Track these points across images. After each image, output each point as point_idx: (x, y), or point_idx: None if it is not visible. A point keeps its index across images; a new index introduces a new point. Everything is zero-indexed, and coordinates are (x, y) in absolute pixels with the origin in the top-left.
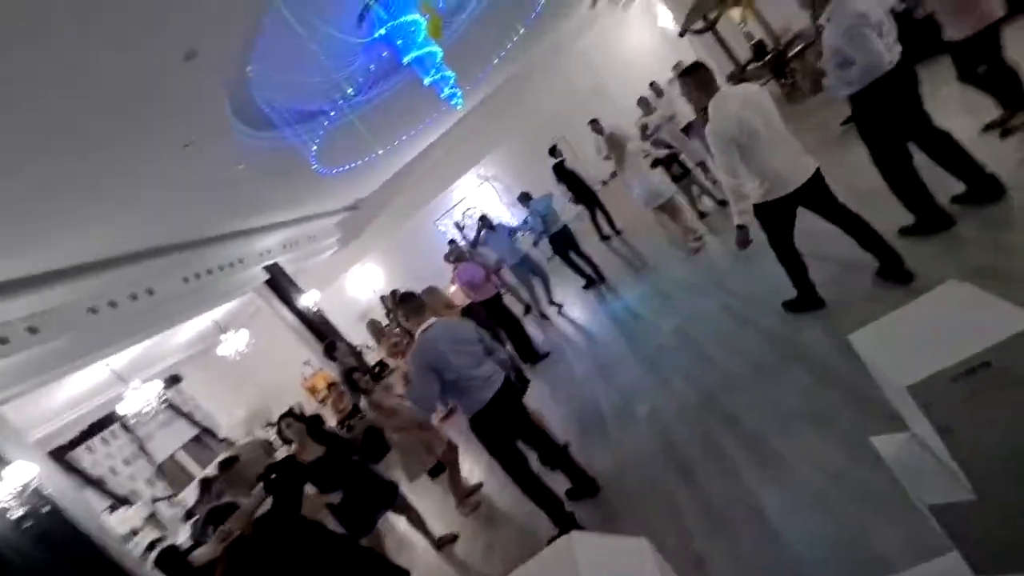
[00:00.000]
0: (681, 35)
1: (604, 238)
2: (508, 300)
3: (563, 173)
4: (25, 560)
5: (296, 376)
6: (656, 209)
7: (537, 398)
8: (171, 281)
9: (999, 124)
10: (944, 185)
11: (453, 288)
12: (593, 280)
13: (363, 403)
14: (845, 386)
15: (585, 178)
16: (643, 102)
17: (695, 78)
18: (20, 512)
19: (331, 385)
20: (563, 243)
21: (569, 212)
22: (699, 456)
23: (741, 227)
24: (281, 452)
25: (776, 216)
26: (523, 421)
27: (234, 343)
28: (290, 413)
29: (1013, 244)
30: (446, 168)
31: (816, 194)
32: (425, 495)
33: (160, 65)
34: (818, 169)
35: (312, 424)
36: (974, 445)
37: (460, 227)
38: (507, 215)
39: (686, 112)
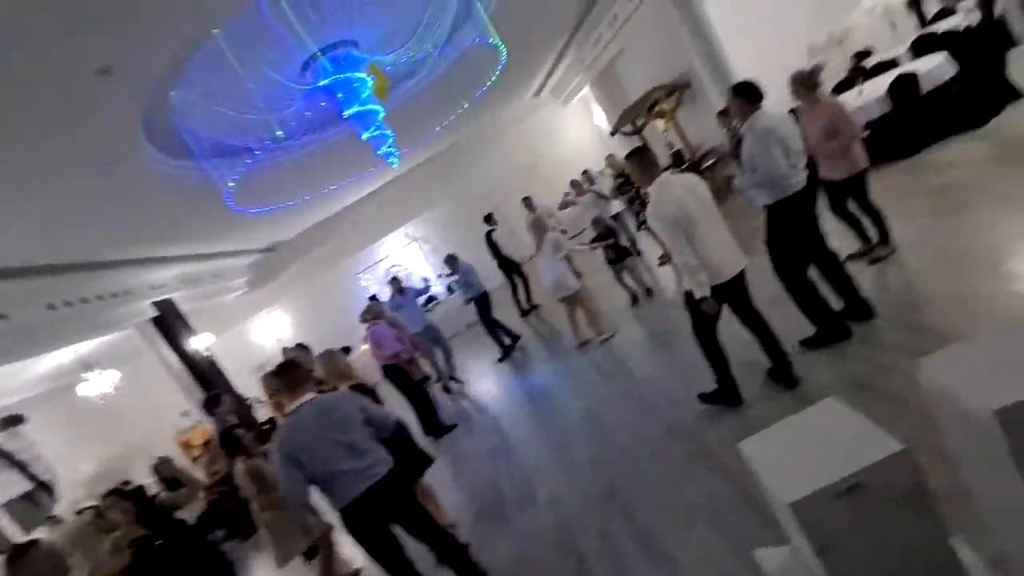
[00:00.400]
0: (612, 135)
1: (523, 313)
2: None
3: (490, 242)
4: None
5: (171, 428)
6: (561, 300)
7: (438, 475)
8: (33, 306)
9: (865, 254)
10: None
11: (364, 347)
12: (509, 350)
13: (237, 466)
14: (741, 487)
15: (509, 251)
16: (575, 183)
17: (640, 159)
18: None
19: (207, 443)
20: (485, 306)
21: (494, 280)
22: (595, 551)
23: (701, 297)
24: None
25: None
26: (409, 515)
27: (99, 383)
28: (116, 491)
29: (885, 362)
30: (375, 223)
31: (738, 290)
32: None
33: (69, 75)
34: (743, 270)
35: (142, 504)
36: (849, 563)
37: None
38: (432, 276)
39: (614, 205)
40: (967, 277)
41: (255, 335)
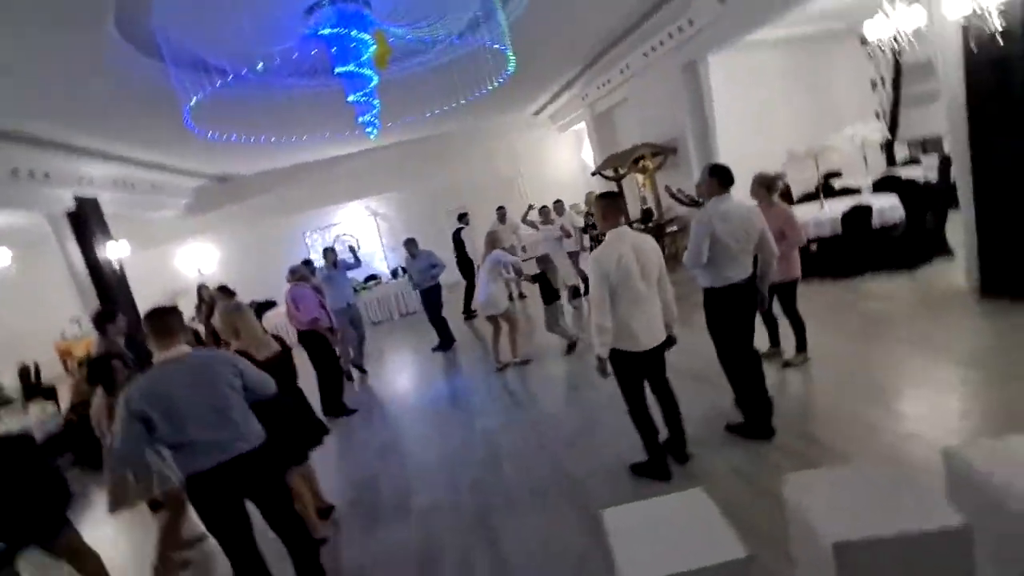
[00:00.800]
0: (593, 174)
1: (467, 316)
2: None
3: (457, 240)
4: None
5: (54, 331)
6: (487, 318)
7: (322, 457)
8: None
9: (769, 356)
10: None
11: (282, 308)
12: (446, 344)
13: (96, 397)
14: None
15: (472, 253)
16: (544, 211)
17: (607, 203)
18: None
19: (83, 362)
20: (434, 298)
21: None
22: (453, 560)
23: (600, 359)
24: None
25: (627, 367)
26: (269, 497)
27: None
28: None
29: (770, 460)
30: (337, 187)
31: (655, 361)
32: (136, 527)
33: None
34: (667, 339)
35: None
36: None
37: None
38: (380, 255)
39: (573, 241)
40: (861, 403)
41: (178, 261)
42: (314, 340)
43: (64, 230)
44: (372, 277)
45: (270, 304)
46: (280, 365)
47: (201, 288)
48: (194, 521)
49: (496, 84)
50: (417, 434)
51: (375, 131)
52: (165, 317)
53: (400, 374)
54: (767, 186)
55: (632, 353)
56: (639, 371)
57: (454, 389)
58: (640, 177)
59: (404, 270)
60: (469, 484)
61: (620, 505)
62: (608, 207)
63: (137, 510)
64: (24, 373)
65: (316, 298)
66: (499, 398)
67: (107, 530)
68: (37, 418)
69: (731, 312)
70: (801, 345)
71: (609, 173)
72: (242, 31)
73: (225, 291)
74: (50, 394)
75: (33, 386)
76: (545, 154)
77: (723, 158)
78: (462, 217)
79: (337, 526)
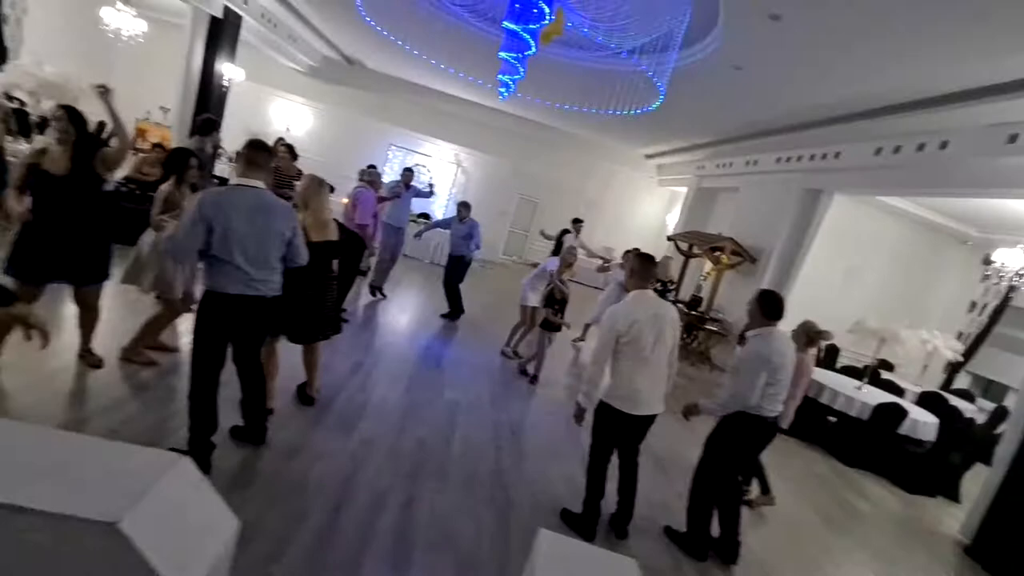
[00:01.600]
0: (668, 239)
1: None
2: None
3: (559, 242)
4: None
5: (138, 107)
6: (521, 305)
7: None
8: None
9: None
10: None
11: (343, 201)
12: (454, 314)
13: (163, 186)
14: (510, 548)
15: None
16: (606, 250)
17: (644, 263)
18: None
19: (158, 146)
20: (459, 269)
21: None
22: (362, 505)
23: (581, 407)
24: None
25: (610, 425)
26: (251, 340)
27: (123, 21)
28: (66, 107)
29: None
30: (441, 123)
31: (642, 427)
32: (124, 307)
33: None
34: (656, 415)
35: (83, 138)
36: None
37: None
38: (441, 199)
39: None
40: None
41: (274, 109)
42: (350, 243)
43: (200, 29)
44: (424, 216)
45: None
46: (329, 251)
47: (278, 141)
48: (174, 334)
49: (634, 112)
50: (390, 372)
51: (505, 94)
52: (260, 151)
53: (402, 313)
54: (811, 338)
55: (623, 414)
56: (620, 433)
57: (447, 353)
58: (708, 265)
59: (433, 223)
60: (415, 439)
61: (558, 534)
62: (644, 267)
63: (137, 295)
64: (100, 128)
65: (374, 206)
66: (482, 380)
67: (104, 300)
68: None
69: (745, 442)
70: (765, 488)
71: (683, 245)
72: None
73: (290, 150)
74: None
75: (103, 142)
76: (635, 197)
77: (794, 292)
78: (576, 222)
79: (286, 414)
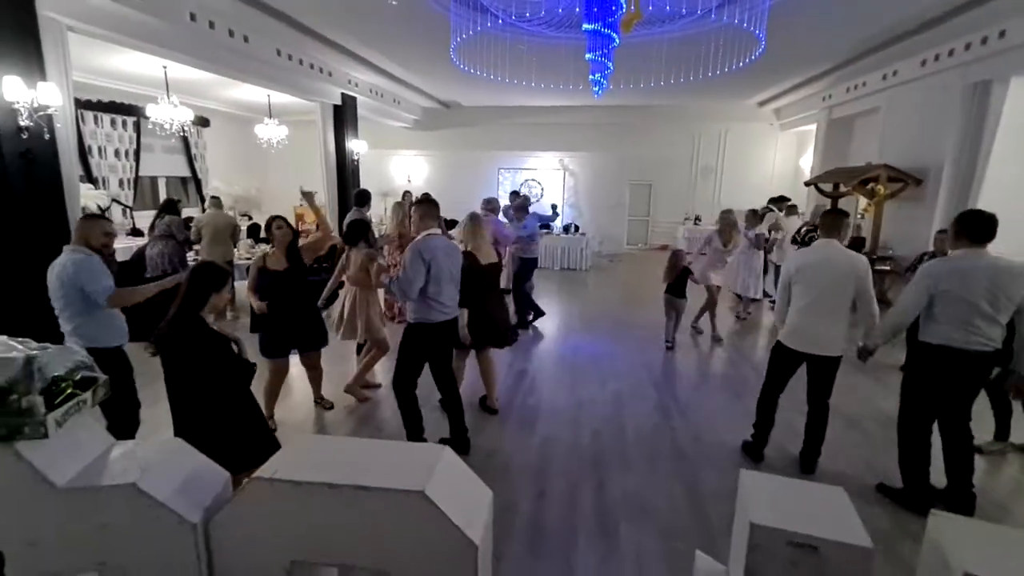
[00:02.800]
0: (806, 184)
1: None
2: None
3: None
4: (1, 165)
5: (293, 196)
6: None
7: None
8: (265, 44)
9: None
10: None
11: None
12: (525, 323)
13: (355, 251)
14: (706, 511)
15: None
16: (752, 214)
17: (837, 217)
18: (24, 123)
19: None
20: (527, 272)
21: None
22: (557, 494)
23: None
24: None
25: (778, 359)
26: (444, 358)
27: (271, 131)
28: (281, 217)
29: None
30: (541, 135)
31: (819, 370)
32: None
33: None
34: (838, 358)
35: (295, 239)
36: None
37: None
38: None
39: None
40: None
41: (393, 167)
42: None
43: (328, 119)
44: (545, 226)
45: (452, 223)
46: (493, 272)
47: (405, 195)
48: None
49: (734, 67)
50: (553, 375)
51: (600, 91)
52: (433, 205)
53: (548, 320)
54: None
55: (787, 348)
56: (786, 367)
57: (594, 350)
58: (863, 201)
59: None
60: (591, 431)
61: (757, 472)
62: (836, 221)
63: (341, 346)
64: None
65: (492, 233)
66: (638, 371)
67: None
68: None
69: (939, 379)
70: (1002, 432)
71: (827, 187)
72: None
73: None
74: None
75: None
76: (756, 150)
77: (981, 207)
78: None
79: (482, 421)
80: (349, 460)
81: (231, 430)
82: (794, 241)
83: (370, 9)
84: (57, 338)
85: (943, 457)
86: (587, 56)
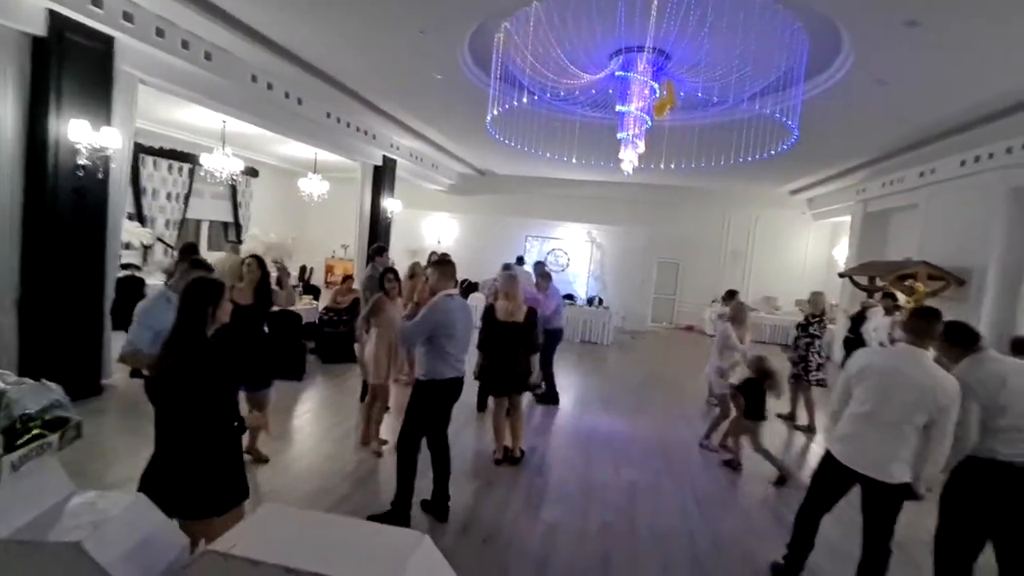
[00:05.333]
0: (841, 276)
1: None
2: None
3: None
4: (53, 197)
5: (326, 248)
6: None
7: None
8: (317, 106)
9: None
10: None
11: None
12: (549, 397)
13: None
14: None
15: None
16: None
17: (923, 322)
18: (83, 162)
19: (347, 278)
20: (553, 344)
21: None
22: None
23: (827, 454)
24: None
25: (826, 471)
26: (444, 418)
27: (314, 186)
28: (255, 256)
29: None
30: (570, 206)
31: (875, 497)
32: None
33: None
34: (900, 485)
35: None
36: None
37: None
38: (582, 278)
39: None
40: None
41: (424, 227)
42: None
43: (367, 178)
44: (568, 296)
45: (473, 287)
46: (523, 328)
47: (431, 256)
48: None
49: (766, 155)
50: (564, 455)
51: (630, 169)
52: (452, 266)
53: (565, 394)
54: None
55: (835, 461)
56: (835, 485)
57: (611, 431)
58: (903, 298)
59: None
60: (599, 523)
61: None
62: (925, 326)
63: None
64: (302, 272)
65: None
66: (655, 460)
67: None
68: (304, 307)
69: (981, 496)
70: None
71: (863, 280)
72: (551, 62)
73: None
74: (316, 292)
75: (305, 283)
76: (786, 238)
77: None
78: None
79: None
80: (316, 541)
81: (217, 464)
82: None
83: (416, 81)
84: (85, 359)
85: None
86: (619, 136)
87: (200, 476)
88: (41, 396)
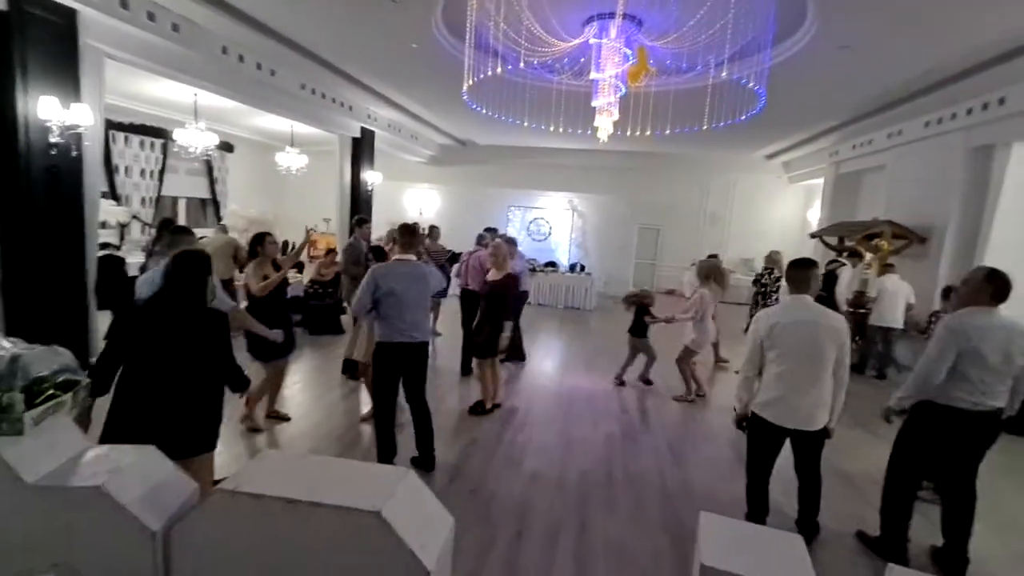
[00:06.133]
0: (812, 236)
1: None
2: None
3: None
4: (26, 177)
5: (307, 222)
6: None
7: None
8: (291, 78)
9: None
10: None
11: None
12: (517, 356)
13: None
14: (688, 560)
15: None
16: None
17: (800, 272)
18: (55, 140)
19: (331, 251)
20: (520, 304)
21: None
22: (537, 532)
23: (736, 413)
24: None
25: (758, 436)
26: (414, 379)
27: (292, 160)
28: (268, 234)
29: None
30: (551, 175)
31: (806, 444)
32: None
33: None
34: (823, 430)
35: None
36: None
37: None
38: (563, 245)
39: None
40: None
41: (406, 199)
42: (471, 301)
43: (346, 151)
44: (551, 264)
45: (456, 257)
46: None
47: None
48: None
49: (738, 120)
50: (545, 413)
51: (605, 136)
52: (411, 234)
53: (547, 358)
54: None
55: (769, 424)
56: (769, 445)
57: (590, 390)
58: (867, 256)
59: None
60: (578, 472)
61: (720, 515)
62: (805, 274)
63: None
64: (284, 247)
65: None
66: (632, 414)
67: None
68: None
69: (937, 439)
70: None
71: (832, 240)
72: (528, 32)
73: (432, 232)
74: (299, 266)
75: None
76: (763, 201)
77: (994, 261)
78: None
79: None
80: (312, 477)
81: (211, 408)
82: None
83: (391, 50)
84: (71, 339)
85: (941, 517)
86: (593, 103)
87: (198, 418)
88: (52, 360)
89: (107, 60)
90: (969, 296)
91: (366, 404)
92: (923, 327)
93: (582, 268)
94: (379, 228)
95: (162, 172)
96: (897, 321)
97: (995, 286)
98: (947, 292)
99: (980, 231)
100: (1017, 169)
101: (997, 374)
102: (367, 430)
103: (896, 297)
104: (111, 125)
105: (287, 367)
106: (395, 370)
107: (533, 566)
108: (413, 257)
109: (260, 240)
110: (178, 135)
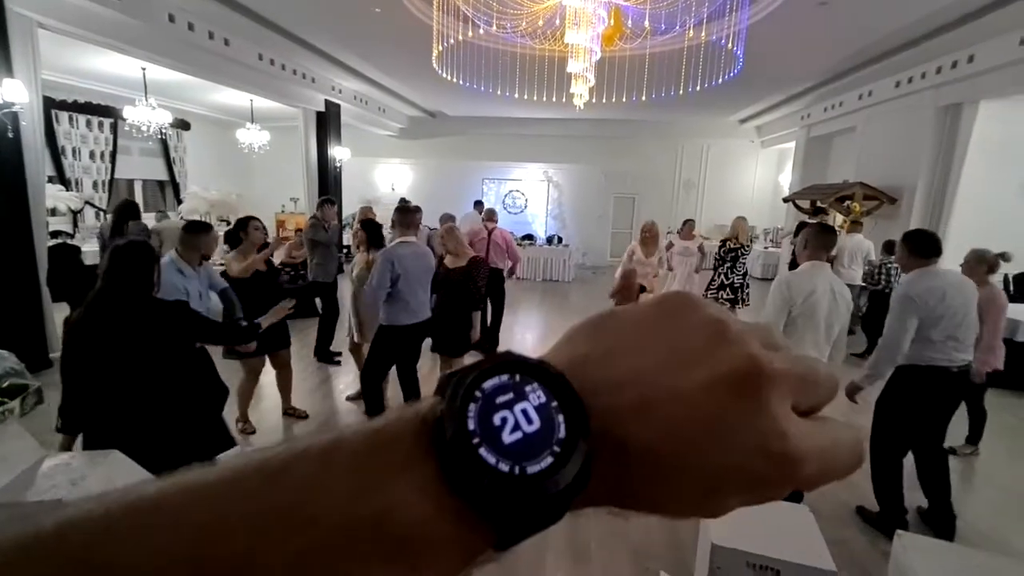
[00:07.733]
0: (785, 200)
1: None
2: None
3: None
4: None
5: (274, 203)
6: None
7: None
8: (247, 48)
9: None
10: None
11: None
12: (489, 343)
13: (367, 254)
14: (680, 535)
15: None
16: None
17: (817, 234)
18: None
19: (299, 230)
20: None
21: None
22: None
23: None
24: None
25: None
26: (410, 361)
27: (253, 136)
28: (253, 218)
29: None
30: (526, 146)
31: None
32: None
33: None
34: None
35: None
36: None
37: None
38: (540, 218)
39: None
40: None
41: (377, 175)
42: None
43: (311, 126)
44: (528, 236)
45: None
46: (463, 274)
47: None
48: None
49: (715, 83)
50: None
51: (581, 103)
52: (414, 214)
53: (528, 331)
54: (990, 264)
55: None
56: None
57: None
58: (840, 218)
59: None
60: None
61: None
62: (827, 241)
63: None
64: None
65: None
66: None
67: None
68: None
69: (918, 400)
70: (974, 436)
71: (805, 204)
72: None
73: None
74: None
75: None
76: (736, 166)
77: (954, 224)
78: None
79: None
80: None
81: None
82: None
83: (353, 15)
84: (26, 336)
85: (919, 478)
86: (568, 68)
87: (178, 429)
88: None
89: (40, 31)
90: (908, 258)
91: (348, 387)
92: (875, 279)
93: (559, 240)
94: (351, 207)
95: (114, 153)
96: (855, 279)
97: (924, 246)
98: (888, 246)
99: (947, 189)
100: (983, 126)
101: (967, 330)
102: (352, 410)
103: (856, 255)
104: (53, 104)
105: (264, 365)
106: (397, 351)
107: (526, 544)
108: (413, 238)
109: (244, 225)
110: (128, 113)
